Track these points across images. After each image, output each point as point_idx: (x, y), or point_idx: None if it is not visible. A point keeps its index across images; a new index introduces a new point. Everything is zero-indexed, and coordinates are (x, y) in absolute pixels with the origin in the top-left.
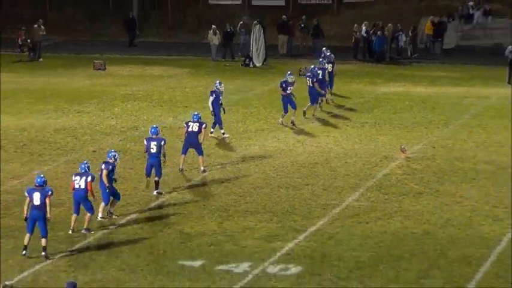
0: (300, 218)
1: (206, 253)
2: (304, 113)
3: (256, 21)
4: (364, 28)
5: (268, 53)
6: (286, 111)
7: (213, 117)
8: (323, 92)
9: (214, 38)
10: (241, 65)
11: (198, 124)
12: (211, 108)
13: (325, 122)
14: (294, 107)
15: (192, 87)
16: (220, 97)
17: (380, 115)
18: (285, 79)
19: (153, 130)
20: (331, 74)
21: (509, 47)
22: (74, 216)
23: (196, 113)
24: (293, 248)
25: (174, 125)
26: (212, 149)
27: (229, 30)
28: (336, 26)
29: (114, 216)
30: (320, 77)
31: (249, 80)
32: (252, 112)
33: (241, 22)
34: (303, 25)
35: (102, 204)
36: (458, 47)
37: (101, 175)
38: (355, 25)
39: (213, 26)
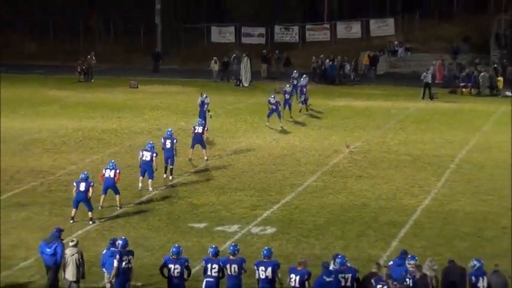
0: (275, 193)
1: (208, 218)
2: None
3: (245, 54)
4: (320, 59)
5: (253, 76)
6: (269, 117)
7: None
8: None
9: (215, 66)
10: (234, 85)
11: (202, 127)
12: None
13: (293, 126)
14: (279, 116)
15: None
16: (205, 106)
17: (332, 121)
18: (270, 98)
19: (168, 132)
20: (303, 92)
21: (424, 73)
22: (102, 196)
23: (200, 119)
24: (269, 215)
25: (185, 127)
26: (212, 145)
27: (225, 60)
28: (301, 58)
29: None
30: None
31: (240, 96)
32: (241, 118)
33: (234, 55)
34: (277, 57)
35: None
36: (387, 73)
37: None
38: (314, 57)
39: (214, 58)
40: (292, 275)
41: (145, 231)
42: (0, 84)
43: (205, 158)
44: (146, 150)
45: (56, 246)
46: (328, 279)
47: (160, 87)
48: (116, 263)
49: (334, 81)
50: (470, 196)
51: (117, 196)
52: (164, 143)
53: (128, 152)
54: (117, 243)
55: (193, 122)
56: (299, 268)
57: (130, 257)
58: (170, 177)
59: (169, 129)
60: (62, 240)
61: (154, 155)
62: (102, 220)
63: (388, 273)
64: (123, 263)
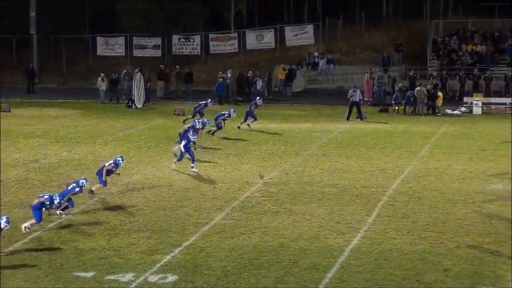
0: (176, 234)
1: (97, 265)
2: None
3: (137, 70)
4: (229, 74)
5: (147, 96)
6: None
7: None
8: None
9: (102, 84)
10: (125, 106)
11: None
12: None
13: (196, 154)
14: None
15: (83, 125)
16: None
17: (242, 147)
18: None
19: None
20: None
21: (351, 90)
22: None
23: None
24: (170, 260)
25: (69, 157)
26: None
27: (114, 77)
28: (204, 73)
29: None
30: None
31: (132, 120)
32: (134, 146)
33: (125, 71)
34: (177, 72)
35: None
36: (306, 89)
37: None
38: (220, 72)
39: (101, 74)
40: None
41: (21, 282)
42: None
43: (92, 193)
44: None
45: None
46: None
47: (37, 110)
48: None
49: (223, 101)
50: (406, 233)
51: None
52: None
53: None
54: None
55: (77, 150)
56: None
57: None
58: (59, 213)
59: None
60: None
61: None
62: None
63: None
64: None
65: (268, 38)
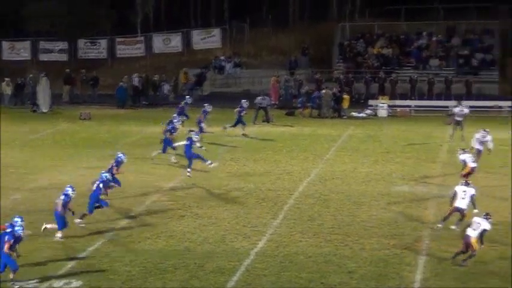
0: (81, 239)
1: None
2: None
3: (43, 74)
4: (136, 79)
5: (53, 100)
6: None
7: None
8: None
9: (7, 89)
10: (31, 111)
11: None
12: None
13: (104, 158)
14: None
15: None
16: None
17: (150, 152)
18: (172, 125)
19: None
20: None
21: (259, 98)
22: None
23: None
24: (74, 266)
25: None
26: (8, 183)
27: (20, 82)
28: (110, 77)
29: None
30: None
31: (38, 124)
32: (40, 151)
33: (31, 75)
34: (83, 77)
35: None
36: (213, 93)
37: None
38: (125, 76)
39: (6, 79)
40: None
41: None
42: None
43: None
44: None
45: None
46: None
47: None
48: None
49: (123, 105)
50: (312, 236)
51: None
52: None
53: None
54: None
55: None
56: None
57: None
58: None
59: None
60: None
61: None
62: None
63: None
64: None
65: (175, 41)
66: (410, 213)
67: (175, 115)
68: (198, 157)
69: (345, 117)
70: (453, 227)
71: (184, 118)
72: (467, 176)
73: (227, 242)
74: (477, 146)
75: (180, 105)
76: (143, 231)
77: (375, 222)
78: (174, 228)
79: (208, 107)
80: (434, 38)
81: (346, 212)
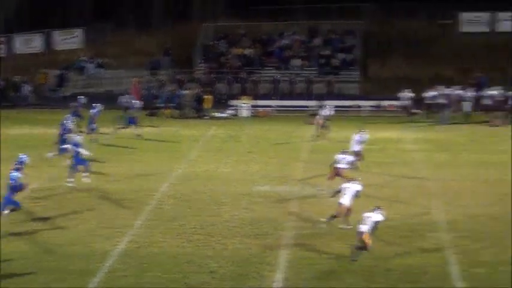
0: None
1: None
2: None
3: None
4: None
5: None
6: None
7: None
8: None
9: None
10: None
11: None
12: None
13: None
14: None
15: None
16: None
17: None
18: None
19: None
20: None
21: (123, 99)
22: None
23: None
24: None
25: None
26: None
27: None
28: None
29: None
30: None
31: None
32: None
33: None
34: None
35: None
36: (74, 94)
37: None
38: None
39: None
40: None
41: None
42: None
43: None
44: None
45: None
46: None
47: None
48: None
49: None
50: (174, 236)
51: None
52: None
53: None
54: None
55: None
56: None
57: None
58: None
59: None
60: None
61: None
62: None
63: None
64: None
65: (36, 42)
66: (272, 213)
67: (68, 115)
68: (84, 163)
69: (207, 117)
70: (341, 226)
71: (78, 118)
72: (332, 177)
73: (89, 243)
74: (356, 148)
75: (74, 105)
76: (4, 235)
77: (237, 222)
78: (37, 231)
79: (99, 107)
80: (296, 37)
81: (209, 212)
